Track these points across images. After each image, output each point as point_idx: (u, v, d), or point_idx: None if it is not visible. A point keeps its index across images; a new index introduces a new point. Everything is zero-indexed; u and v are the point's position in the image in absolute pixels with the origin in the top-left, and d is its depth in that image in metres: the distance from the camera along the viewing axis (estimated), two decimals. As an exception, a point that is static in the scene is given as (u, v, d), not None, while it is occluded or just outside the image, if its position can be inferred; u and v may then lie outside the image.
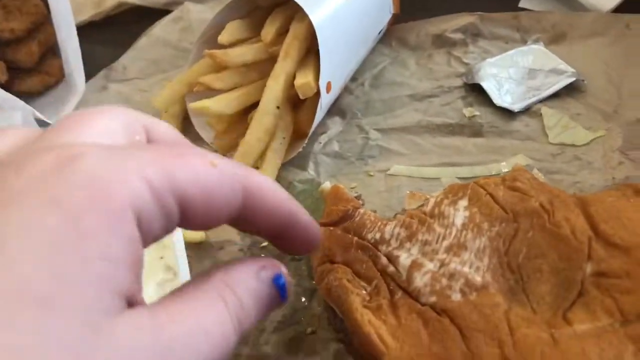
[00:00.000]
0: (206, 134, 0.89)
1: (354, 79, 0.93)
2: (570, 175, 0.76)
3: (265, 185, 0.32)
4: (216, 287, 0.31)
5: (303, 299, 0.70)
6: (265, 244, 0.76)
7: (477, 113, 0.85)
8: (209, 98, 0.84)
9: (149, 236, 0.29)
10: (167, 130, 0.35)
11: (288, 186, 0.81)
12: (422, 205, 0.61)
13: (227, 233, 0.77)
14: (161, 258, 0.71)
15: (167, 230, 0.30)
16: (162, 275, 0.70)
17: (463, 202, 0.58)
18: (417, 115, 0.87)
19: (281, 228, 0.34)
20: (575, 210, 0.55)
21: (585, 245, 0.53)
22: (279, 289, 0.34)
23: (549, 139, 0.81)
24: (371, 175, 0.81)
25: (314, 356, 0.65)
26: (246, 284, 0.32)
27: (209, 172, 0.29)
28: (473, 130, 0.84)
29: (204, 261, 0.75)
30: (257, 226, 0.33)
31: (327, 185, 0.65)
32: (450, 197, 0.60)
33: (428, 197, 0.70)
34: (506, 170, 0.76)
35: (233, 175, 0.30)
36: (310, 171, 0.83)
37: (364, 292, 0.55)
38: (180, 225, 0.31)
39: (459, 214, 0.57)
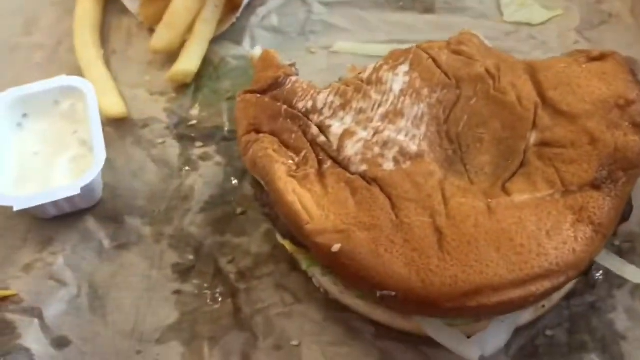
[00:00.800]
0: (131, 4, 0.79)
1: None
2: (523, 54, 0.71)
3: None
4: None
5: (234, 180, 0.65)
6: (194, 122, 0.70)
7: (430, -13, 0.78)
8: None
9: None
10: None
11: (220, 62, 0.74)
12: (360, 73, 0.55)
13: (152, 110, 0.71)
14: (75, 132, 0.64)
15: None
16: (76, 150, 0.63)
17: (404, 68, 0.53)
18: (363, -11, 0.79)
19: None
20: (522, 76, 0.51)
21: (531, 113, 0.49)
22: None
23: (504, 17, 0.75)
24: (313, 53, 0.74)
25: (242, 236, 0.61)
26: None
27: None
28: (424, 6, 0.77)
29: (127, 138, 0.68)
30: None
31: (257, 50, 0.58)
32: (390, 63, 0.54)
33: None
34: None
35: None
36: (246, 46, 0.75)
37: (290, 162, 0.50)
38: None
39: (398, 79, 0.52)
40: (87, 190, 0.59)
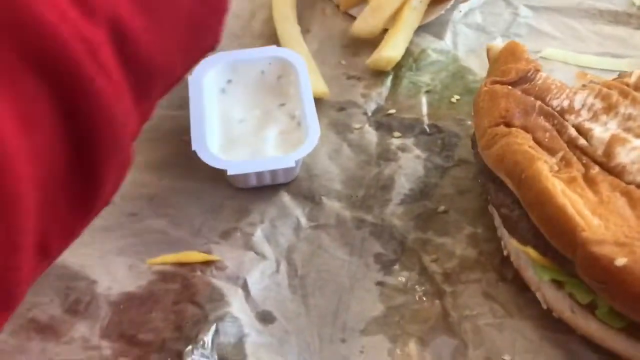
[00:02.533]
0: (329, -15, 0.78)
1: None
2: None
3: None
4: None
5: (434, 177, 0.62)
6: (392, 111, 0.67)
7: (649, 3, 0.73)
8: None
9: None
10: None
11: (421, 53, 0.71)
12: (620, 76, 0.51)
13: (350, 94, 0.68)
14: (282, 105, 0.62)
15: None
16: (284, 124, 0.61)
17: (680, 77, 0.48)
18: (577, -3, 0.75)
19: None
20: None
21: None
22: None
23: None
24: (520, 54, 0.70)
25: (445, 236, 0.57)
26: None
27: None
28: (641, 22, 0.72)
29: (322, 119, 0.66)
30: None
31: (498, 42, 0.55)
32: (660, 71, 0.49)
33: (601, 80, 0.60)
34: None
35: None
36: (447, 41, 0.72)
37: (552, 161, 0.46)
38: None
39: (676, 90, 0.47)
40: (297, 163, 0.57)
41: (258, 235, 0.57)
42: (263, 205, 0.59)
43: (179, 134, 0.63)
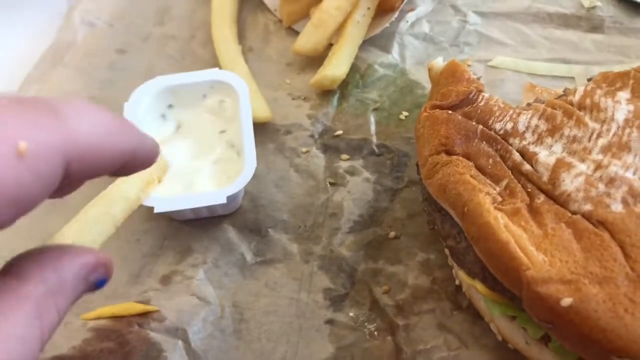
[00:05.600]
0: (270, 0, 0.75)
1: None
2: None
3: (94, 141, 0.27)
4: (36, 300, 0.26)
5: (384, 200, 0.59)
6: (339, 132, 0.64)
7: (598, 4, 0.71)
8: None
9: None
10: None
11: (367, 69, 0.68)
12: (563, 95, 0.49)
13: (296, 116, 0.65)
14: (222, 132, 0.59)
15: None
16: (222, 152, 0.58)
17: (624, 94, 0.46)
18: (525, 0, 0.72)
19: (122, 165, 0.30)
20: None
21: None
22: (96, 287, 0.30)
23: (686, 42, 0.68)
24: (469, 65, 0.68)
25: (397, 264, 0.55)
26: (70, 290, 0.28)
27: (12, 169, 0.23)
28: (592, 24, 0.70)
29: (268, 144, 0.63)
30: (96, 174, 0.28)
31: (439, 61, 0.52)
32: (604, 87, 0.47)
33: (551, 91, 0.58)
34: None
35: (47, 154, 0.25)
36: (394, 54, 0.70)
37: (493, 191, 0.43)
38: None
39: (620, 107, 0.45)
40: (230, 198, 0.54)
41: (200, 277, 0.54)
42: (206, 241, 0.57)
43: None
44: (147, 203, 0.53)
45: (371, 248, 0.56)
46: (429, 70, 0.53)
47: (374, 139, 0.63)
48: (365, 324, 0.52)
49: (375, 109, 0.66)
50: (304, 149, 0.63)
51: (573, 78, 0.66)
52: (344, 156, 0.62)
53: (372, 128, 0.64)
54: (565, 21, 0.71)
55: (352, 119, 0.65)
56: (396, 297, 0.53)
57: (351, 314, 0.52)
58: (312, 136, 0.64)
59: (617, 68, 0.65)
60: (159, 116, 0.60)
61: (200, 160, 0.58)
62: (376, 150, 0.62)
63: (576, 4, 0.72)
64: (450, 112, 0.48)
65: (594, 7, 0.71)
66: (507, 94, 0.64)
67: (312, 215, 0.58)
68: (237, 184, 0.54)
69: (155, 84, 0.60)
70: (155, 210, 0.53)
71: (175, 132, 0.60)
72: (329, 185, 0.60)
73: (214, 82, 0.61)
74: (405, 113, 0.65)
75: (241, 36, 0.73)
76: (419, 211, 0.58)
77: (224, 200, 0.53)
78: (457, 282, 0.52)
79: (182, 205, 0.53)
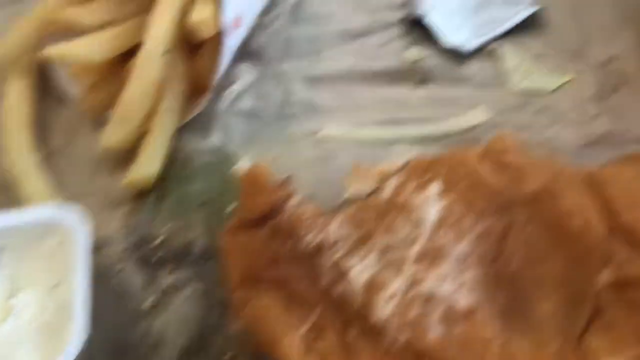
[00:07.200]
0: (74, 91, 0.66)
1: (267, 11, 0.72)
2: (542, 129, 0.62)
3: None
4: None
5: (216, 315, 0.52)
6: (159, 240, 0.57)
7: (421, 55, 0.69)
8: (73, 40, 0.61)
9: None
10: None
11: (186, 160, 0.61)
12: (376, 191, 0.44)
13: (106, 227, 0.57)
14: (54, 287, 0.49)
15: None
16: (50, 313, 0.48)
17: (435, 187, 0.42)
18: (349, 59, 0.69)
19: None
20: (585, 193, 0.41)
21: (601, 243, 0.39)
22: None
23: (510, 86, 0.66)
24: (295, 141, 0.63)
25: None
26: None
27: None
28: (419, 77, 0.67)
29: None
30: None
31: (244, 164, 0.46)
32: (415, 180, 0.43)
33: (380, 170, 0.53)
34: (466, 127, 0.61)
35: None
36: (216, 138, 0.63)
37: (304, 327, 0.38)
38: None
39: (431, 203, 0.41)
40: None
41: None
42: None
43: None
44: None
45: (204, 378, 0.49)
46: (235, 177, 0.47)
47: (200, 243, 0.56)
48: None
49: (200, 205, 0.59)
50: (117, 267, 0.55)
51: (406, 141, 0.62)
52: (167, 269, 0.55)
53: (198, 229, 0.57)
54: (391, 78, 0.67)
55: (173, 220, 0.58)
56: None
57: None
58: (126, 250, 0.56)
59: (450, 122, 0.63)
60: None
61: (24, 322, 0.48)
62: (203, 254, 0.56)
63: (401, 58, 0.69)
64: (254, 230, 0.42)
65: (419, 60, 0.68)
66: (341, 169, 0.59)
67: (131, 350, 0.51)
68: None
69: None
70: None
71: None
72: (149, 308, 0.53)
73: (49, 220, 0.50)
74: (233, 205, 0.58)
75: (43, 137, 0.63)
76: (254, 323, 0.52)
77: None
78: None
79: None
